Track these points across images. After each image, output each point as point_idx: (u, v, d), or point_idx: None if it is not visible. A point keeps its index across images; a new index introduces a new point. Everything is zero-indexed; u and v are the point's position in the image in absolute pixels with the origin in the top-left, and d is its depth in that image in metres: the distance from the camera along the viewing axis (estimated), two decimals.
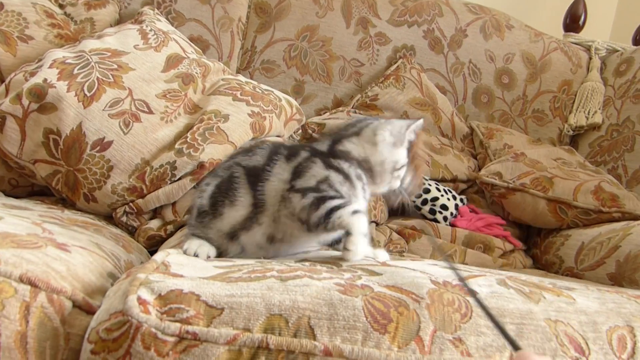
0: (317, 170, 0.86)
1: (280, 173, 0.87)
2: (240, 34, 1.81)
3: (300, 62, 1.84)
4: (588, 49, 2.09)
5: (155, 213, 1.29)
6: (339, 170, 0.87)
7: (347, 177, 0.88)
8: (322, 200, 0.82)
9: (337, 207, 0.82)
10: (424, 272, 0.73)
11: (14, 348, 0.54)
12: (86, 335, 0.56)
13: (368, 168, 0.92)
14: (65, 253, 0.66)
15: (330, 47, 1.86)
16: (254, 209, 0.86)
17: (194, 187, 1.26)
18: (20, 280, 0.57)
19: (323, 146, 0.94)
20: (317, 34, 1.85)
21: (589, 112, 1.96)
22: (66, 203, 1.30)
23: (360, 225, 0.81)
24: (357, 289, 0.62)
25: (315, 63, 1.85)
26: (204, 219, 0.88)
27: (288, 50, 1.84)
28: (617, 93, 1.93)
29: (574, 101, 2.02)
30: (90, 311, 0.61)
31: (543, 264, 1.57)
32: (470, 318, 0.63)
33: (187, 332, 0.54)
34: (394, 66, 1.87)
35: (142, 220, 1.26)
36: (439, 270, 0.77)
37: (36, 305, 0.57)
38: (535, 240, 1.65)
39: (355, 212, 0.82)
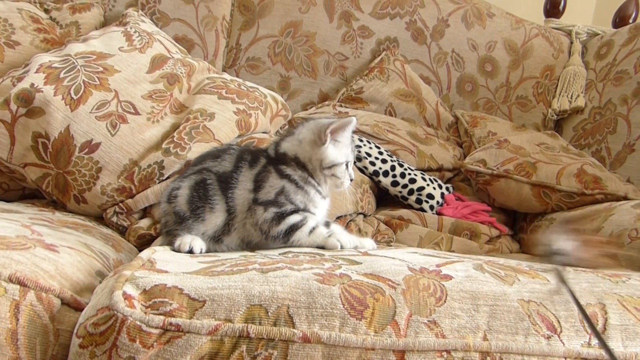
0: (273, 181, 0.94)
1: (244, 181, 0.94)
2: (224, 32, 1.82)
3: (285, 58, 1.86)
4: (569, 33, 2.12)
5: (145, 212, 1.31)
6: (290, 179, 0.95)
7: (297, 184, 0.95)
8: (281, 216, 0.91)
9: (296, 227, 0.92)
10: (402, 260, 0.76)
11: (5, 345, 0.57)
12: (74, 331, 0.59)
13: (303, 166, 0.97)
14: (54, 253, 0.69)
15: (315, 42, 1.87)
16: (228, 215, 0.94)
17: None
18: (10, 280, 0.59)
19: (272, 150, 1.01)
20: (301, 29, 1.87)
21: (571, 96, 1.99)
22: (57, 205, 1.32)
23: (316, 243, 0.93)
24: (336, 277, 0.65)
25: (300, 58, 1.87)
26: (187, 221, 0.93)
27: (273, 46, 1.86)
28: (599, 76, 1.96)
29: (556, 86, 2.05)
30: (78, 308, 0.64)
31: (529, 248, 1.60)
32: (444, 302, 0.65)
33: (171, 324, 0.57)
34: (378, 59, 1.90)
35: (132, 220, 1.28)
36: (418, 258, 0.79)
37: (25, 303, 0.59)
38: (521, 225, 1.68)
39: (311, 231, 0.93)
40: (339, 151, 0.98)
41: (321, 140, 0.96)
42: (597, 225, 1.39)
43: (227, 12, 1.83)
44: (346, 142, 0.99)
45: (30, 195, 1.41)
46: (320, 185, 0.98)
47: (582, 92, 1.98)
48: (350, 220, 1.41)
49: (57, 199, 1.29)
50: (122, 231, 1.28)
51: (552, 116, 2.02)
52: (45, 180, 1.27)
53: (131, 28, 1.51)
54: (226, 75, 1.58)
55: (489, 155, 1.64)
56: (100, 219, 1.30)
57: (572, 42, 2.10)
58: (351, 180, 1.02)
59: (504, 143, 1.69)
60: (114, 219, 1.27)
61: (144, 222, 1.27)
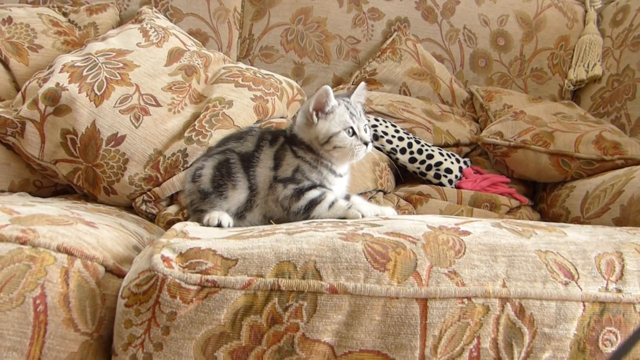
0: (289, 160, 0.98)
1: (265, 159, 0.99)
2: (237, 24, 1.86)
3: (298, 45, 1.89)
4: (583, 2, 2.10)
5: (172, 200, 1.36)
6: (303, 160, 0.98)
7: (310, 164, 0.98)
8: (300, 192, 0.95)
9: (315, 202, 0.94)
10: (422, 220, 0.79)
11: (59, 307, 0.62)
12: (119, 293, 0.64)
13: (310, 149, 1.00)
14: (94, 229, 0.74)
15: (326, 27, 1.90)
16: (250, 191, 0.98)
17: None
18: (58, 250, 0.65)
19: (288, 131, 1.04)
20: (312, 15, 1.89)
21: (588, 65, 1.98)
22: (88, 198, 1.38)
23: (336, 216, 0.93)
24: (358, 236, 0.68)
25: (312, 44, 1.90)
26: (210, 196, 0.98)
27: (285, 34, 1.89)
28: (615, 43, 1.94)
29: (572, 56, 2.03)
30: (120, 275, 0.69)
31: (550, 217, 1.61)
32: (464, 254, 0.68)
33: (207, 280, 0.61)
34: (390, 40, 1.91)
35: (160, 207, 1.34)
36: (437, 219, 0.82)
37: (74, 270, 0.64)
38: (542, 195, 1.69)
39: (331, 205, 0.94)
40: (332, 122, 0.97)
41: (311, 120, 0.98)
42: (618, 189, 1.39)
43: (238, 3, 1.87)
44: (340, 111, 0.98)
45: (62, 191, 1.47)
46: (334, 164, 1.00)
47: (598, 61, 1.97)
48: (370, 197, 1.44)
49: (88, 192, 1.35)
50: (151, 219, 1.34)
51: (569, 87, 2.00)
52: (76, 175, 1.33)
53: (147, 24, 1.56)
54: (241, 64, 1.62)
55: (506, 127, 1.65)
56: (129, 209, 1.36)
57: (586, 11, 2.08)
58: (367, 143, 0.98)
59: (520, 114, 1.69)
60: (143, 207, 1.33)
61: (172, 209, 1.32)
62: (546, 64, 2.03)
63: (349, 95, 1.05)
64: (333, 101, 0.99)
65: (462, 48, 1.99)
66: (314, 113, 0.98)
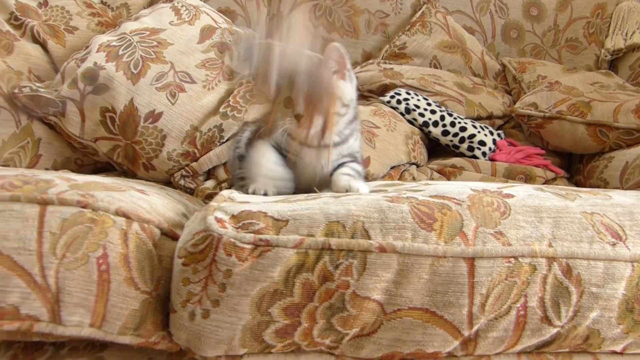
0: None
1: None
2: (265, 1, 1.86)
3: (326, 21, 1.88)
4: None
5: (209, 174, 1.39)
6: None
7: None
8: None
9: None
10: (464, 185, 0.80)
11: (120, 267, 0.66)
12: (176, 253, 0.67)
13: None
14: (146, 195, 0.77)
15: (354, 2, 1.89)
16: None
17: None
18: (116, 213, 0.68)
19: None
20: None
21: (626, 33, 1.92)
22: (128, 175, 1.41)
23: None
24: (403, 199, 0.70)
25: (340, 20, 1.89)
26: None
27: (313, 10, 1.88)
28: None
29: (609, 24, 1.97)
30: (175, 238, 0.72)
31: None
32: (509, 215, 0.69)
33: (261, 239, 0.63)
34: (419, 12, 1.89)
35: (198, 182, 1.37)
36: (479, 184, 0.83)
37: (132, 232, 0.68)
38: (578, 167, 1.66)
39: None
40: None
41: None
42: None
43: None
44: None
45: (102, 169, 1.51)
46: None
47: (638, 29, 1.90)
48: (404, 170, 1.44)
49: (128, 169, 1.39)
50: (189, 193, 1.37)
51: (606, 56, 1.95)
52: (116, 152, 1.37)
53: (178, 3, 1.57)
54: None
55: (540, 98, 1.62)
56: (168, 184, 1.39)
57: None
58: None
59: (555, 85, 1.66)
60: (182, 182, 1.36)
61: (209, 183, 1.35)
62: (581, 34, 1.98)
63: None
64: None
65: (494, 19, 1.95)
66: None
